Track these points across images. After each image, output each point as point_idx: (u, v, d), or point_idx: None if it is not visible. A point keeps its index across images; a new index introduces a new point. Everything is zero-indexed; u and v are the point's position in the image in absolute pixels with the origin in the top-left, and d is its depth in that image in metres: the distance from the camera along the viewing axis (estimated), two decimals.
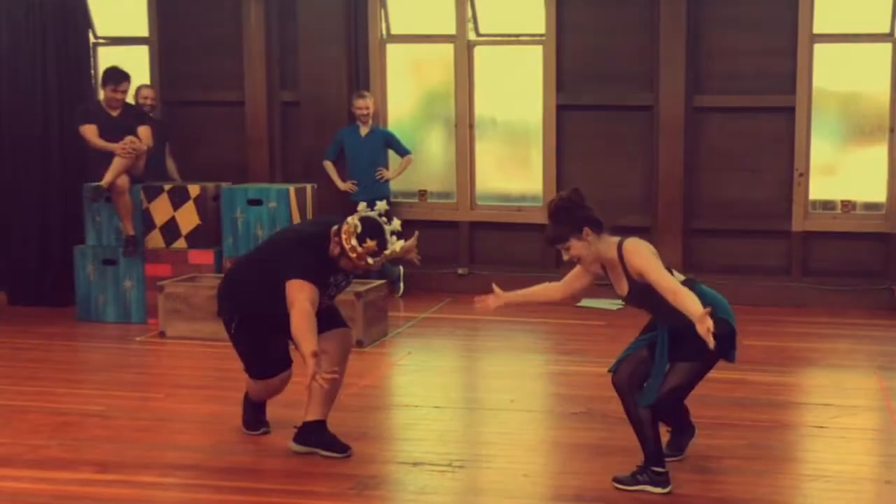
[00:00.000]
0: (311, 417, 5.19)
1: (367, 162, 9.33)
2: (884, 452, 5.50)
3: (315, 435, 5.19)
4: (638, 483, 4.72)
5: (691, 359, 4.62)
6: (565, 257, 4.66)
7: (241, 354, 5.36)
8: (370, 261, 5.06)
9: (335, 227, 5.08)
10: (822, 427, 5.70)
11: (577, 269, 4.86)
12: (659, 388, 4.66)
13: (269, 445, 5.37)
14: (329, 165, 9.40)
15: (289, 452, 5.21)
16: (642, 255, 4.53)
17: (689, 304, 4.32)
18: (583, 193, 4.65)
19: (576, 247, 4.60)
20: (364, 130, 9.33)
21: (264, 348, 5.29)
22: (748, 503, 4.65)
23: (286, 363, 5.35)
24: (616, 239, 4.64)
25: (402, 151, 9.48)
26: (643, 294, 4.58)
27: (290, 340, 5.19)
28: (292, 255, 5.07)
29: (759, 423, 5.78)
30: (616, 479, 4.77)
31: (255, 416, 5.56)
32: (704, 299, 4.43)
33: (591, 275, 4.85)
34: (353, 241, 5.00)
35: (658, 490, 4.69)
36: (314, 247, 5.11)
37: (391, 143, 9.49)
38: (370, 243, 5.01)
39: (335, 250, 5.07)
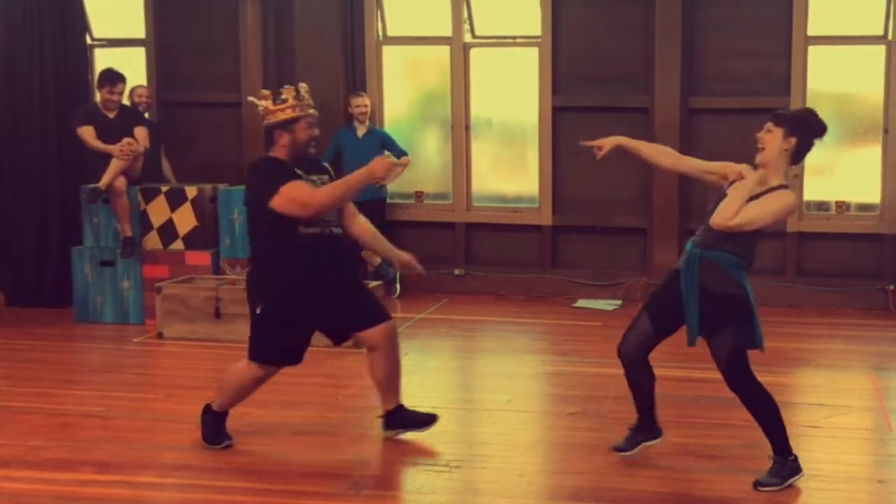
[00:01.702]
0: (391, 406, 5.47)
1: (365, 162, 9.24)
2: (877, 452, 5.53)
3: (399, 417, 5.49)
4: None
5: (731, 322, 4.72)
6: (759, 133, 4.84)
7: (254, 338, 5.22)
8: (303, 101, 5.14)
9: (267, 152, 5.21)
10: (815, 427, 5.73)
11: (701, 163, 5.24)
12: (715, 358, 4.76)
13: (267, 446, 5.39)
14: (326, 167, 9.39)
15: (287, 453, 5.24)
16: (774, 203, 4.69)
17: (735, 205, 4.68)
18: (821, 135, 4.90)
19: (774, 138, 4.78)
20: (361, 130, 9.34)
21: (281, 338, 5.19)
22: (742, 502, 4.68)
23: (289, 360, 5.28)
24: (784, 182, 4.79)
25: (399, 152, 9.47)
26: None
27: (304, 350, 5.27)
28: (257, 189, 5.18)
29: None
30: (758, 483, 4.79)
31: (216, 429, 5.42)
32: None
33: (705, 176, 5.21)
34: (275, 106, 5.10)
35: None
36: (267, 169, 5.21)
37: (388, 143, 9.48)
38: (286, 93, 5.10)
39: (283, 142, 5.15)
